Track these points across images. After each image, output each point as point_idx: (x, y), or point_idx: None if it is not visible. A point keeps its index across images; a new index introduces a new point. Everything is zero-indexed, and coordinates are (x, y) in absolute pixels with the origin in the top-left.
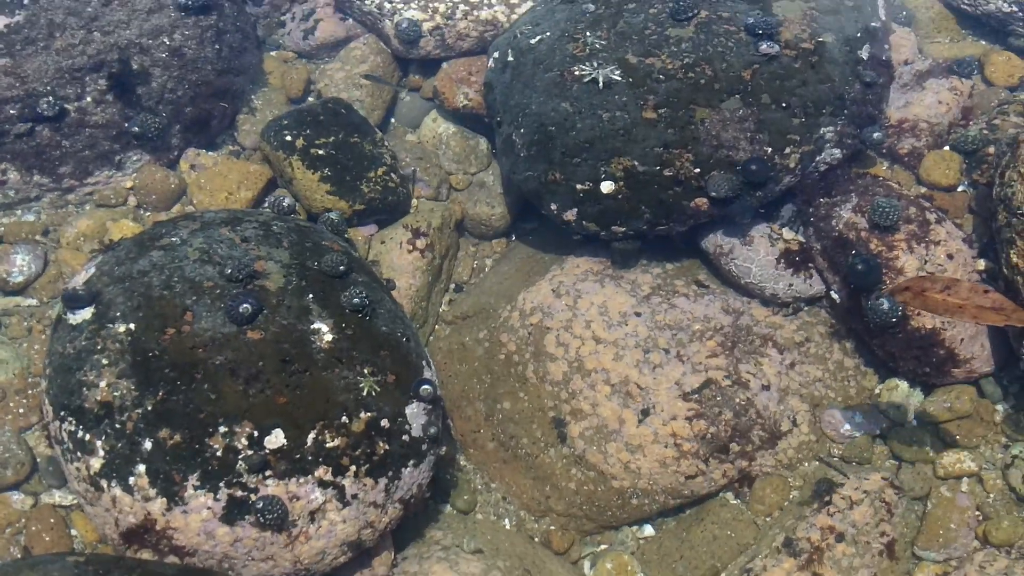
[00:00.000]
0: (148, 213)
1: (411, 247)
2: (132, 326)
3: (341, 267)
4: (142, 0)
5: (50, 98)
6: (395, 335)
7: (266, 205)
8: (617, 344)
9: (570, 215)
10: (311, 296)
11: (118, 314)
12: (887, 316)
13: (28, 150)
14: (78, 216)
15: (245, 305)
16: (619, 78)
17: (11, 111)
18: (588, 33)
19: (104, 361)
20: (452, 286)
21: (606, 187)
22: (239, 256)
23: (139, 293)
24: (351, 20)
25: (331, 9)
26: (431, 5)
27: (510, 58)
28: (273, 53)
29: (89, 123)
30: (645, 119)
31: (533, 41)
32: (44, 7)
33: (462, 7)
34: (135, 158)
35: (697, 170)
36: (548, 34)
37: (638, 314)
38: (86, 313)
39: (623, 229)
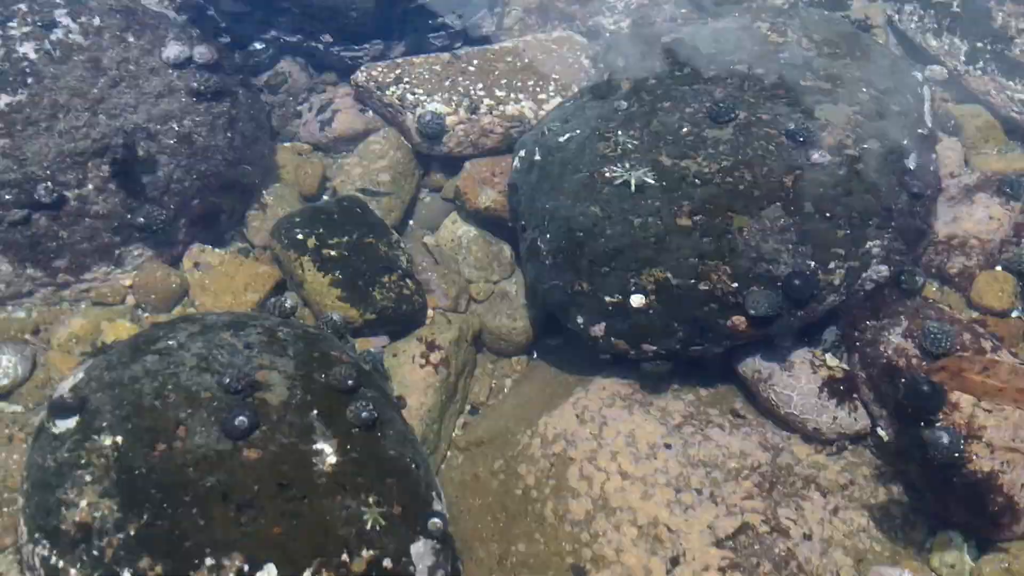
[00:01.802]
0: (147, 314)
1: (424, 361)
2: (119, 439)
3: (350, 381)
4: (152, 83)
5: (48, 183)
6: (404, 460)
7: (267, 308)
8: (646, 480)
9: (597, 330)
10: (315, 412)
11: (105, 425)
12: (948, 451)
13: (22, 240)
14: (72, 315)
15: (241, 418)
16: (652, 181)
17: (6, 196)
18: (620, 132)
19: (87, 477)
20: (467, 407)
21: (636, 301)
22: (240, 364)
23: (129, 402)
24: (371, 112)
25: (350, 100)
26: (455, 99)
27: (537, 157)
28: (287, 144)
29: (89, 213)
30: (679, 226)
31: (562, 139)
32: (48, 87)
33: (487, 101)
34: (136, 253)
35: (735, 285)
36: (578, 132)
37: (668, 446)
38: (71, 422)
39: (654, 348)
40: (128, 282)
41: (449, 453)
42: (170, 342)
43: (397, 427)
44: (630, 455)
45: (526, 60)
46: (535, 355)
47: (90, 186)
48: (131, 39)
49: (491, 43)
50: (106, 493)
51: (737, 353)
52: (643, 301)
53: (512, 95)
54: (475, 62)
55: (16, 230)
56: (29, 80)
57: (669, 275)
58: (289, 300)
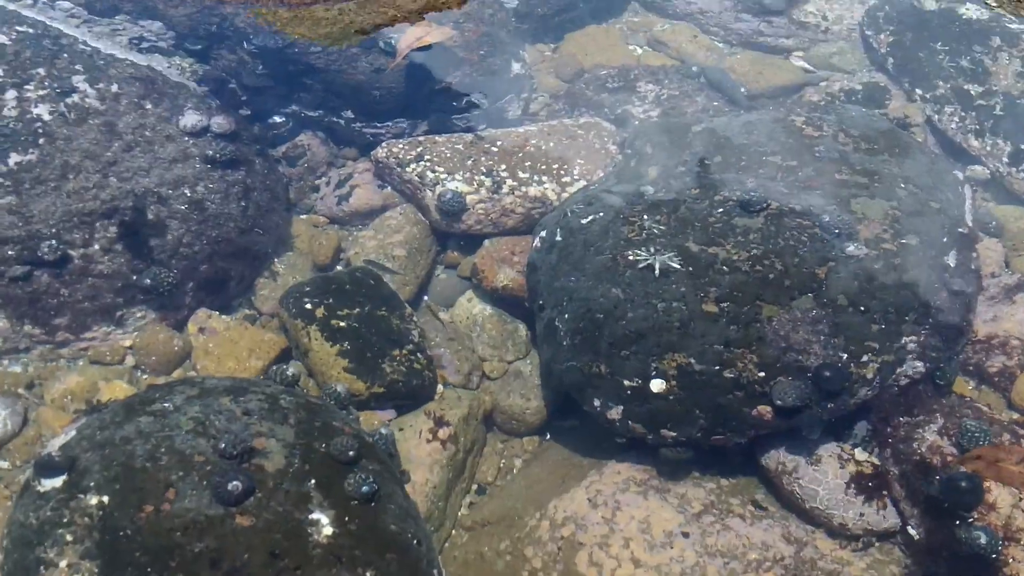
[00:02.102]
0: (145, 376)
1: (431, 437)
2: (105, 499)
3: (351, 452)
4: (167, 148)
5: (52, 241)
6: (405, 536)
7: (269, 375)
8: (659, 570)
9: (614, 414)
10: (313, 482)
11: (92, 484)
12: (986, 551)
13: (22, 296)
14: (68, 372)
15: (235, 483)
16: (678, 266)
17: (9, 251)
18: (646, 216)
19: (68, 537)
20: (475, 487)
21: (656, 386)
22: (237, 431)
23: (118, 462)
24: (389, 188)
25: (369, 175)
26: (476, 178)
27: (558, 238)
28: (303, 217)
29: (93, 272)
30: (705, 312)
31: (584, 221)
32: (60, 147)
33: (510, 182)
34: (138, 315)
35: (762, 374)
36: (601, 215)
37: (686, 535)
38: (57, 481)
39: (673, 434)
40: (128, 342)
41: (454, 532)
42: (166, 404)
43: (399, 502)
44: (644, 542)
45: (551, 143)
46: (548, 436)
47: (96, 246)
48: (148, 106)
49: (516, 127)
50: (87, 554)
51: (761, 443)
52: (664, 386)
53: (535, 177)
54: (499, 143)
55: (17, 286)
56: (41, 140)
57: (692, 361)
58: (291, 368)
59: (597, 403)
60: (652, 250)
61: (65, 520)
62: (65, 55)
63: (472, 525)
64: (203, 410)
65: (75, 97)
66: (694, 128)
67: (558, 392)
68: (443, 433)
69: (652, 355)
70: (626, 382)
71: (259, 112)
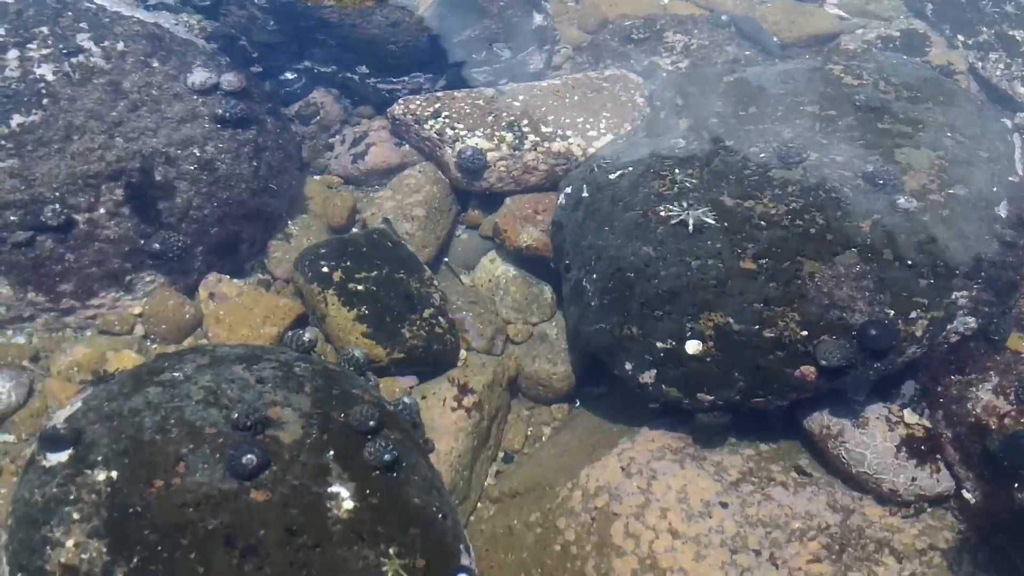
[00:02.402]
0: (155, 345)
1: (456, 404)
2: (114, 474)
3: (371, 422)
4: (175, 108)
5: (56, 206)
6: (429, 510)
7: (284, 341)
8: (699, 540)
9: (647, 378)
10: (332, 453)
11: (99, 458)
12: None
13: (25, 262)
14: (75, 342)
15: (249, 456)
16: (712, 221)
17: (11, 217)
18: (677, 170)
19: (75, 515)
20: (501, 455)
21: (692, 347)
22: (251, 400)
23: (127, 435)
24: (407, 146)
25: (386, 133)
26: (497, 134)
27: (584, 194)
28: (317, 177)
29: (99, 237)
30: (742, 270)
31: (613, 176)
32: (64, 108)
33: (532, 137)
34: (147, 280)
35: (804, 333)
36: (630, 169)
37: (724, 504)
38: (63, 455)
39: (711, 398)
40: (137, 310)
41: (480, 504)
42: (176, 374)
43: (423, 473)
44: (681, 512)
45: (575, 97)
46: (577, 403)
47: (102, 210)
48: (155, 64)
49: (539, 81)
50: (95, 532)
51: (803, 406)
52: (700, 347)
53: (559, 132)
54: (520, 98)
55: (19, 252)
56: (44, 101)
57: (730, 320)
58: (307, 334)
59: (629, 367)
60: (685, 205)
61: (72, 497)
62: (69, 13)
63: (499, 496)
64: (214, 379)
65: (80, 56)
66: (726, 78)
67: (586, 356)
68: (468, 400)
69: (687, 315)
70: (659, 344)
71: (270, 69)
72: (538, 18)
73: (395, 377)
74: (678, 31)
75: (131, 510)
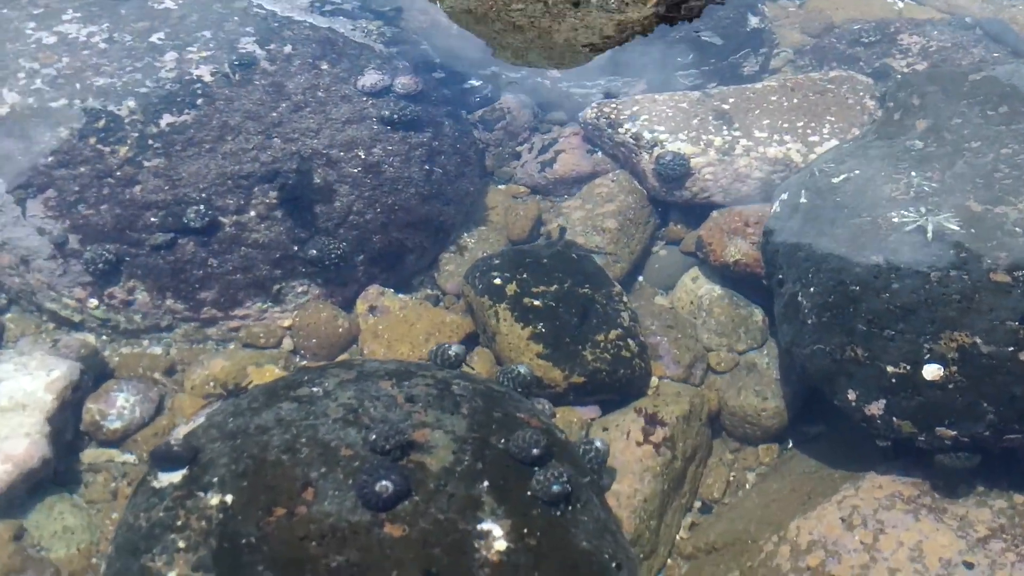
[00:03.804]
0: (304, 361)
1: (642, 438)
2: (229, 498)
3: (535, 449)
4: (341, 109)
5: (201, 207)
6: (600, 557)
7: (430, 355)
8: None
9: (874, 409)
10: (486, 484)
11: (215, 480)
12: None
13: (164, 266)
14: (214, 355)
15: (384, 483)
16: (956, 227)
17: (152, 218)
18: (913, 173)
19: (181, 543)
20: (697, 503)
21: (931, 372)
22: (396, 419)
23: (249, 455)
24: (600, 153)
25: (577, 140)
26: (704, 137)
27: (803, 200)
28: (501, 187)
29: (247, 241)
30: (994, 282)
31: (836, 180)
32: (220, 109)
33: (744, 142)
34: (300, 290)
35: None
36: (857, 173)
37: (969, 565)
38: (176, 475)
39: (953, 434)
40: (287, 322)
41: (670, 561)
42: (315, 389)
43: (595, 513)
44: (915, 574)
45: (795, 100)
46: (790, 444)
47: (252, 212)
48: (324, 67)
49: (754, 83)
50: (201, 564)
51: None
52: (940, 373)
53: (776, 136)
54: (731, 100)
55: (158, 255)
56: (199, 101)
57: (978, 340)
58: (455, 347)
59: (852, 396)
60: (923, 210)
61: (179, 523)
62: (236, 18)
63: (693, 552)
64: (358, 395)
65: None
66: (971, 76)
67: (801, 386)
68: (657, 434)
69: (924, 335)
70: (890, 368)
71: (455, 75)
72: (753, 20)
73: (574, 408)
74: (914, 33)
75: (244, 541)
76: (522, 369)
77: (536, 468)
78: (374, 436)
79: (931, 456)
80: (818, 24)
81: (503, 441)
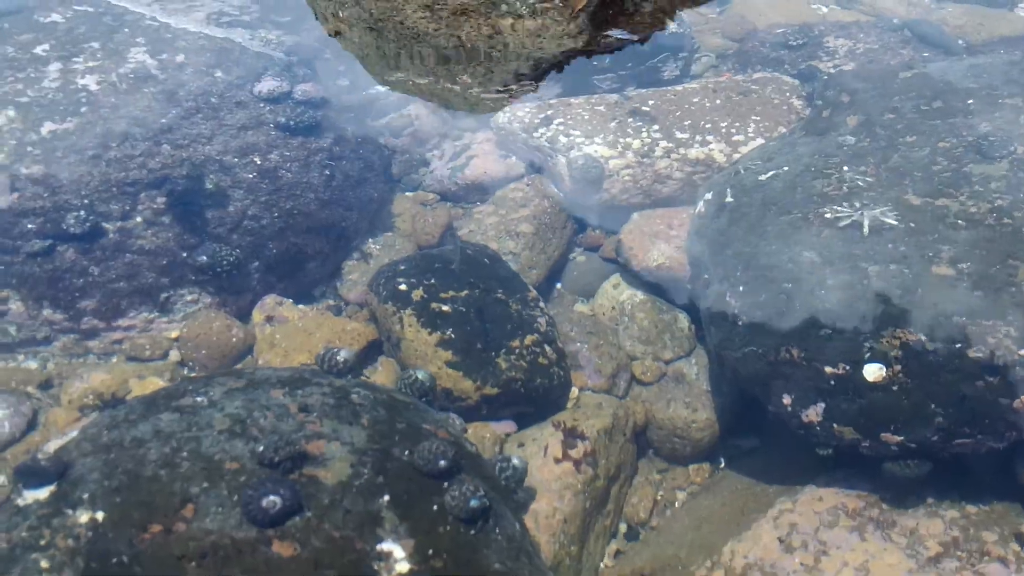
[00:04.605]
0: (193, 374)
1: (561, 455)
2: (100, 515)
3: (442, 461)
4: (236, 115)
5: (81, 212)
6: None
7: (317, 360)
8: None
9: (813, 414)
10: (387, 498)
11: (85, 496)
12: None
13: (40, 274)
14: (94, 368)
15: (272, 497)
16: (894, 221)
17: (28, 225)
18: (846, 168)
19: (44, 563)
20: (623, 527)
21: (872, 372)
22: (288, 430)
23: (123, 470)
24: (514, 159)
25: (490, 145)
26: (622, 140)
27: (728, 199)
28: (409, 194)
29: (132, 247)
30: (936, 276)
31: (763, 177)
32: (104, 116)
33: (664, 143)
34: (189, 298)
35: (1022, 351)
36: (786, 169)
37: None
38: (42, 492)
39: (900, 440)
40: (174, 333)
41: None
42: (199, 398)
43: (509, 532)
44: None
45: (718, 101)
46: (723, 464)
47: (138, 218)
48: (219, 74)
49: (674, 86)
50: None
51: None
52: (882, 373)
53: (698, 137)
54: (651, 102)
55: (35, 262)
56: (83, 109)
57: (923, 337)
58: (343, 353)
59: (788, 400)
60: (857, 205)
61: (43, 542)
62: (126, 30)
63: None
64: (246, 405)
65: (129, 66)
66: (902, 74)
67: (734, 395)
68: (578, 449)
69: (864, 333)
70: (828, 369)
71: (360, 81)
72: (671, 25)
73: (487, 422)
74: (840, 35)
75: (115, 560)
76: (420, 374)
77: (444, 483)
78: (262, 448)
79: (877, 465)
80: (740, 29)
81: (407, 453)
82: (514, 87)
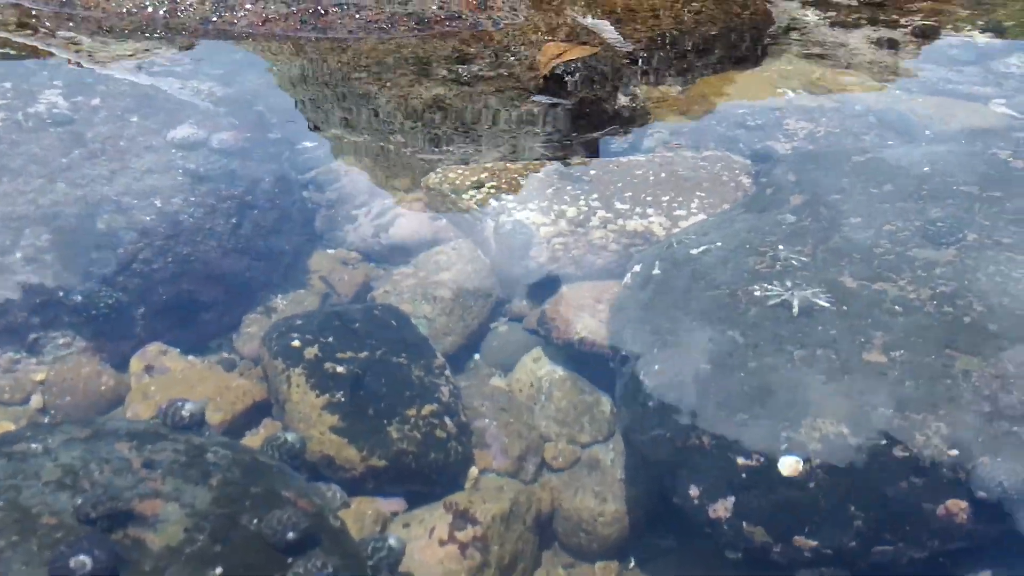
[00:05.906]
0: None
1: (446, 536)
2: None
3: (291, 533)
4: (144, 160)
5: None
6: None
7: (159, 414)
8: None
9: (721, 510)
10: (219, 571)
11: None
12: None
13: None
14: None
15: (82, 557)
16: (826, 304)
17: None
18: (782, 246)
19: None
20: None
21: (788, 465)
22: (122, 486)
23: None
24: (444, 221)
25: (420, 205)
26: (556, 207)
27: (656, 271)
28: (331, 252)
29: (6, 284)
30: (867, 363)
31: (695, 251)
32: (2, 151)
33: (602, 213)
34: (62, 341)
35: (954, 452)
36: (719, 244)
37: None
38: None
39: (814, 545)
40: (40, 376)
41: None
42: (34, 445)
43: None
44: None
45: (663, 175)
46: (632, 563)
47: (18, 254)
48: (134, 119)
49: (619, 157)
50: None
51: (954, 562)
52: (799, 467)
53: (638, 209)
54: (592, 172)
55: None
56: None
57: (845, 430)
58: (190, 404)
59: (695, 492)
60: (788, 284)
61: None
62: (45, 73)
63: None
64: (83, 456)
65: (39, 107)
66: (855, 158)
67: (650, 486)
68: (466, 533)
69: (783, 420)
70: (740, 460)
71: (291, 136)
72: (623, 99)
73: (374, 497)
74: (802, 118)
75: None
76: (290, 436)
77: (290, 558)
78: (80, 501)
79: (792, 571)
80: (699, 108)
81: (256, 521)
82: (450, 147)
